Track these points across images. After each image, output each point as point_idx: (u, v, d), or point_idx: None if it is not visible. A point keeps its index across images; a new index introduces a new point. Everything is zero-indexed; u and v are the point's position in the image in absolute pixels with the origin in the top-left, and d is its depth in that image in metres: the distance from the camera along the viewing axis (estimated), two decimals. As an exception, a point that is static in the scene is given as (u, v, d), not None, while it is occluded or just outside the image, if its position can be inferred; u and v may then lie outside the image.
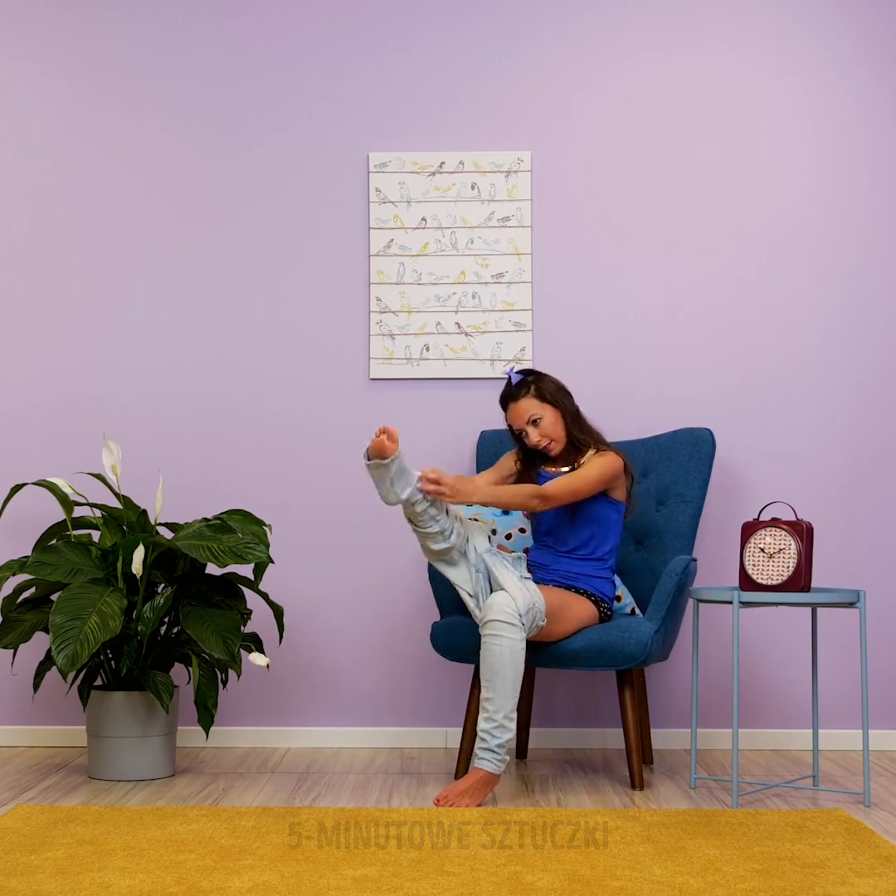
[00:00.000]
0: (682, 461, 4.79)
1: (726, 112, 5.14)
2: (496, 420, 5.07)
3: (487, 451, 4.96)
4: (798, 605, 4.12)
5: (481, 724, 4.13)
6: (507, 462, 4.62)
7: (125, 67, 5.17)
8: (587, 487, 4.39)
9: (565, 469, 4.51)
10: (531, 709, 4.87)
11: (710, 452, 4.78)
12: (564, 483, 4.36)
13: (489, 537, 4.43)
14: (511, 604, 4.10)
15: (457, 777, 4.46)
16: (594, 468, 4.41)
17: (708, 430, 4.83)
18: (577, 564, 4.46)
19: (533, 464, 4.57)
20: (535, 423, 4.48)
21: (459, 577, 4.24)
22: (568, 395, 4.54)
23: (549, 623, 4.24)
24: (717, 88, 5.14)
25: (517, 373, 4.53)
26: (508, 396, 4.53)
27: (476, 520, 4.54)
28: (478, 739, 4.14)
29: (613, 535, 4.51)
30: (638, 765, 4.33)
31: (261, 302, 5.15)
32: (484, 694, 4.13)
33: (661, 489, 4.80)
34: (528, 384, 4.50)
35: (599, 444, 4.53)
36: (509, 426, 4.57)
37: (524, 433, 4.50)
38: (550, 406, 4.49)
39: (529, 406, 4.48)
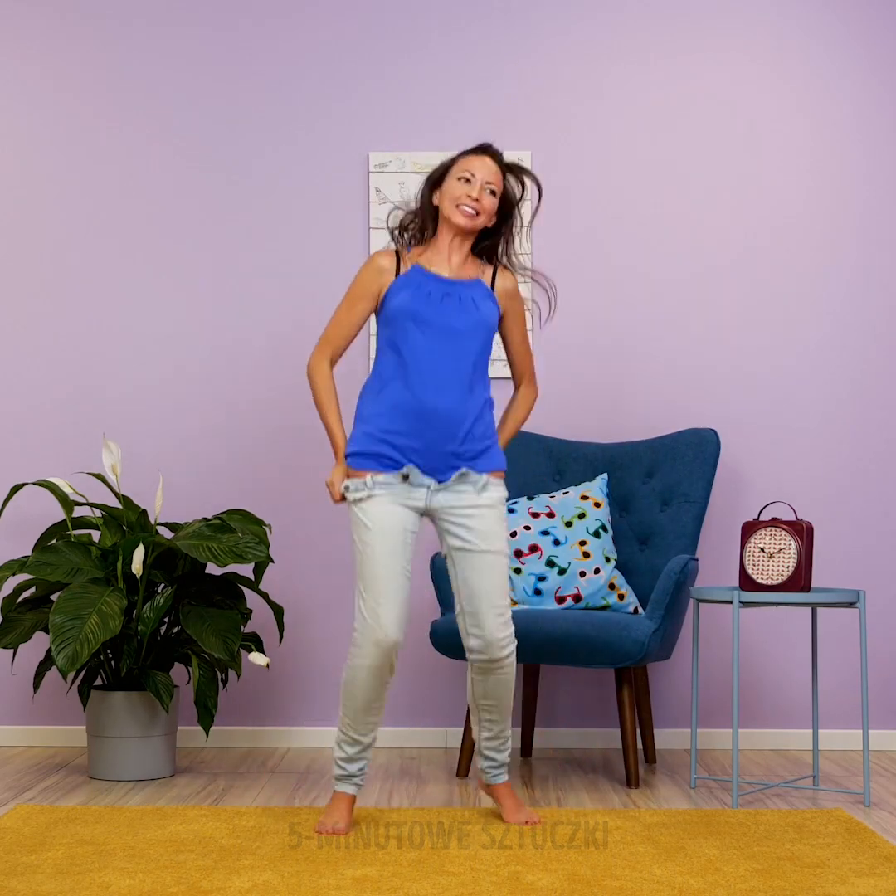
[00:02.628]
0: (686, 462, 4.80)
1: (726, 113, 5.14)
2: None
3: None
4: (798, 605, 4.12)
5: (490, 744, 3.93)
6: (365, 293, 3.86)
7: (125, 67, 5.17)
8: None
9: (444, 274, 3.84)
10: (534, 708, 4.87)
11: (714, 453, 4.79)
12: (531, 367, 4.02)
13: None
14: (511, 627, 3.85)
15: (458, 775, 4.48)
16: (524, 321, 3.99)
17: (713, 430, 4.83)
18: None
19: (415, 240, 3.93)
20: (491, 192, 3.84)
21: None
22: (512, 219, 3.95)
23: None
24: (717, 90, 5.14)
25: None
26: (486, 150, 3.90)
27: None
28: (483, 758, 3.94)
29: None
30: (634, 763, 4.34)
31: (260, 301, 5.15)
32: (491, 717, 3.89)
33: (665, 489, 4.80)
34: (508, 168, 3.92)
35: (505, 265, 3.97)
36: (444, 169, 3.89)
37: (469, 184, 3.82)
38: (503, 207, 3.90)
39: (497, 182, 3.86)
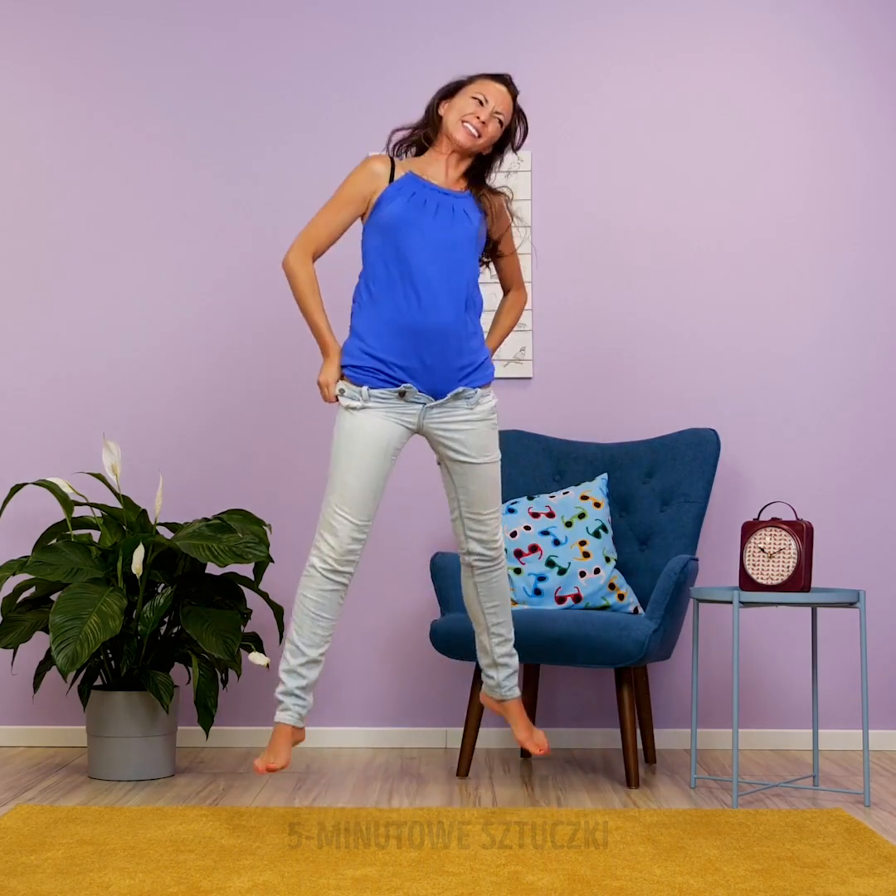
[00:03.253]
0: (686, 461, 4.80)
1: (725, 112, 5.15)
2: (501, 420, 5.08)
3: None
4: (798, 605, 4.12)
5: (504, 649, 4.10)
6: (355, 196, 3.87)
7: (124, 70, 5.17)
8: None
9: (438, 183, 3.85)
10: (534, 708, 4.87)
11: (714, 453, 4.79)
12: (520, 274, 4.08)
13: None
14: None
15: (458, 775, 4.48)
16: (511, 235, 4.02)
17: (713, 430, 4.83)
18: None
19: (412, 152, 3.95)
20: (499, 121, 3.86)
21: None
22: (503, 152, 3.97)
23: None
24: (717, 89, 5.14)
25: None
26: (506, 81, 3.89)
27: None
28: (500, 668, 4.12)
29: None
30: (634, 763, 4.34)
31: (260, 301, 5.15)
32: (497, 619, 4.07)
33: (665, 489, 4.81)
34: (517, 106, 3.91)
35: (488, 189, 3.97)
36: (460, 85, 3.88)
37: (481, 106, 3.81)
38: (503, 136, 3.91)
39: (508, 110, 3.87)
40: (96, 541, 4.74)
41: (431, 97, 3.95)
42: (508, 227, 3.98)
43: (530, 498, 4.81)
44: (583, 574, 4.64)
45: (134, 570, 4.35)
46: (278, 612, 4.61)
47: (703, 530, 5.05)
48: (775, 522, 4.24)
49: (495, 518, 3.98)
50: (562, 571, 4.65)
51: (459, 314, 3.81)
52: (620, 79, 5.16)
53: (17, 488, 4.63)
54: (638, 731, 4.95)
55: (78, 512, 4.99)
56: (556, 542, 4.69)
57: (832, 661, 5.05)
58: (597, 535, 4.71)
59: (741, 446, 5.10)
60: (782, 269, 5.14)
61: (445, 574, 4.62)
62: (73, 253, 5.16)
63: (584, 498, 4.78)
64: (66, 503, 4.54)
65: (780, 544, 4.22)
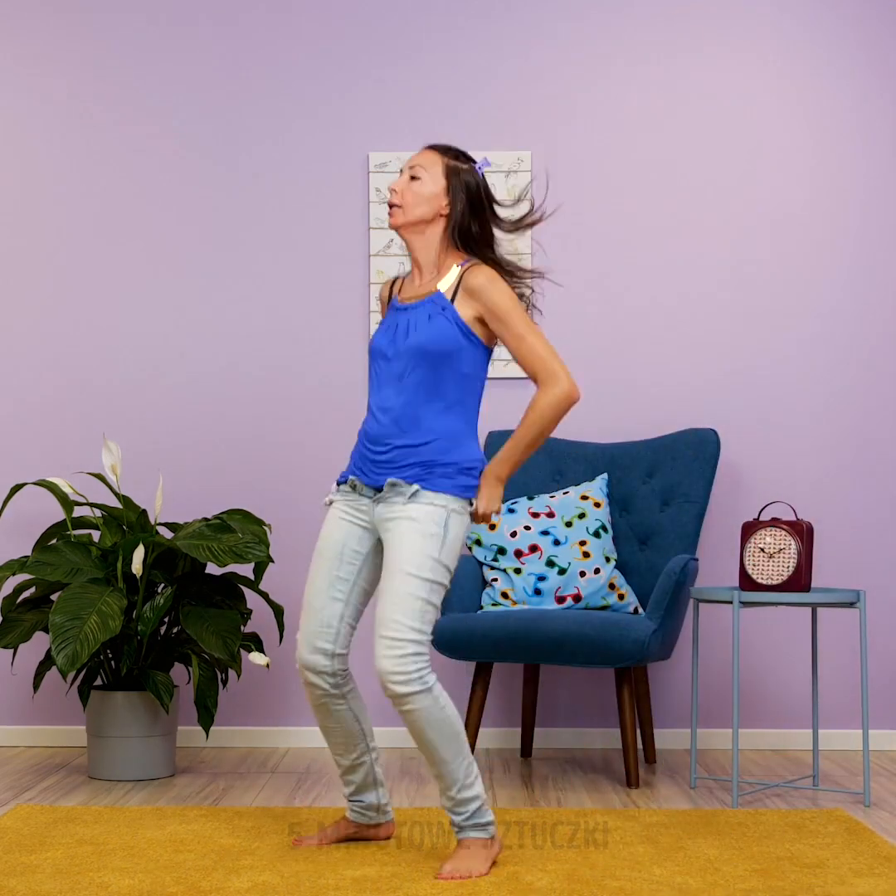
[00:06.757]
0: (686, 461, 4.80)
1: (724, 112, 5.15)
2: (502, 421, 5.08)
3: (496, 452, 4.96)
4: (798, 605, 4.12)
5: (441, 789, 3.38)
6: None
7: (125, 69, 5.17)
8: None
9: (416, 295, 3.43)
10: (535, 708, 4.87)
11: (714, 453, 4.79)
12: (540, 350, 3.31)
13: None
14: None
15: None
16: (510, 301, 3.33)
17: (713, 430, 4.83)
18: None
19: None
20: (412, 177, 3.40)
21: None
22: (480, 204, 3.42)
23: None
24: (716, 89, 5.15)
25: (485, 162, 3.47)
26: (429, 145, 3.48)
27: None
28: (448, 813, 3.42)
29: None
30: (634, 762, 4.34)
31: (261, 302, 5.15)
32: (426, 759, 3.38)
33: (665, 489, 4.81)
34: (452, 153, 3.43)
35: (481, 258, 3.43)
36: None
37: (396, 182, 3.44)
38: (446, 185, 3.40)
39: (427, 162, 3.41)
40: (96, 541, 4.75)
41: None
42: (495, 306, 3.34)
43: (530, 498, 4.81)
44: (583, 574, 4.64)
45: (134, 570, 4.35)
46: (278, 611, 4.61)
47: (703, 530, 5.05)
48: (775, 522, 4.24)
49: (387, 648, 3.23)
50: (562, 571, 4.65)
51: (406, 426, 3.36)
52: (621, 79, 5.16)
53: (17, 488, 4.63)
54: (638, 731, 4.95)
55: (78, 512, 4.99)
56: (556, 542, 4.69)
57: (832, 661, 5.05)
58: (597, 535, 4.71)
59: (741, 446, 5.10)
60: (782, 269, 5.14)
61: (445, 574, 4.62)
62: (73, 253, 5.16)
63: (584, 498, 4.78)
64: (66, 503, 4.54)
65: (780, 544, 4.22)
